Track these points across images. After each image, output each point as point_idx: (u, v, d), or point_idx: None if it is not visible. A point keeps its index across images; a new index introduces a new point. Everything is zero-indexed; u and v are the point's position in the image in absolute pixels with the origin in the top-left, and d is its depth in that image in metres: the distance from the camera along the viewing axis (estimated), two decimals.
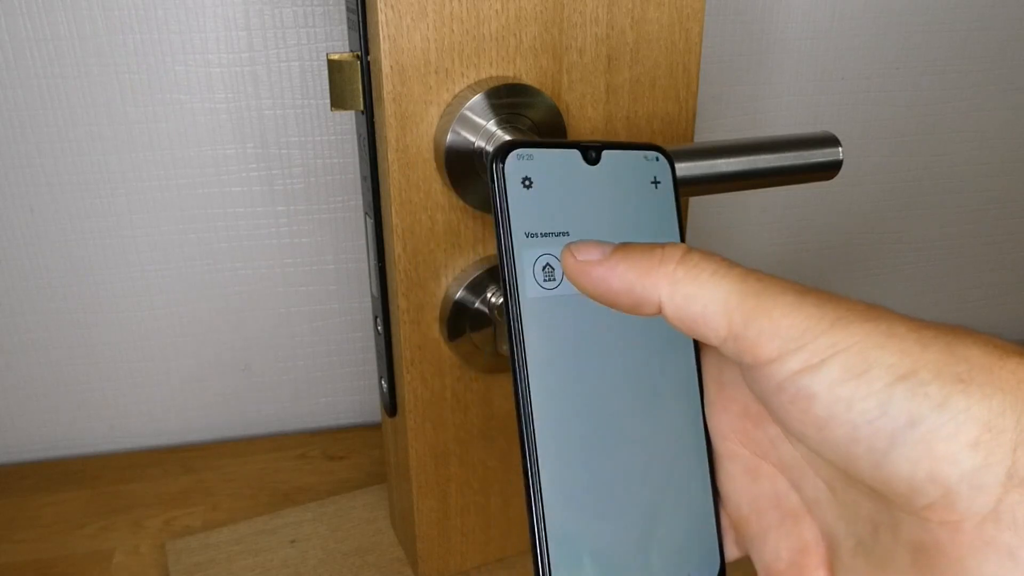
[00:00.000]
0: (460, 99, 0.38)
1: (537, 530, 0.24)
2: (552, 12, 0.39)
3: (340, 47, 0.56)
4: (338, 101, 0.39)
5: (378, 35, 0.36)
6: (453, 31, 0.37)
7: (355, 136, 0.56)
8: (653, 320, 0.24)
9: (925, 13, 0.65)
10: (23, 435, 0.64)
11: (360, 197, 0.57)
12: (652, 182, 0.27)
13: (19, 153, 0.55)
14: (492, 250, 0.42)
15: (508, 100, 0.38)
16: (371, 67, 0.38)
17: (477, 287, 0.42)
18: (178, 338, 0.63)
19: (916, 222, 0.74)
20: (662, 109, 0.43)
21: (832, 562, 0.23)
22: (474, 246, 0.42)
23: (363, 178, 0.42)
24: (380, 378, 0.47)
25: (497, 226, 0.25)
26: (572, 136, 0.41)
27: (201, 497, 0.59)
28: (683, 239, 0.27)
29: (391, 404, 0.46)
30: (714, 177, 0.37)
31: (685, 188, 0.37)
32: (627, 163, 0.27)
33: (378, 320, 0.44)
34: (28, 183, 0.56)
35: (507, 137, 0.38)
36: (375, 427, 0.68)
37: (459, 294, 0.42)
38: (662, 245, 0.23)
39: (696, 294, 0.22)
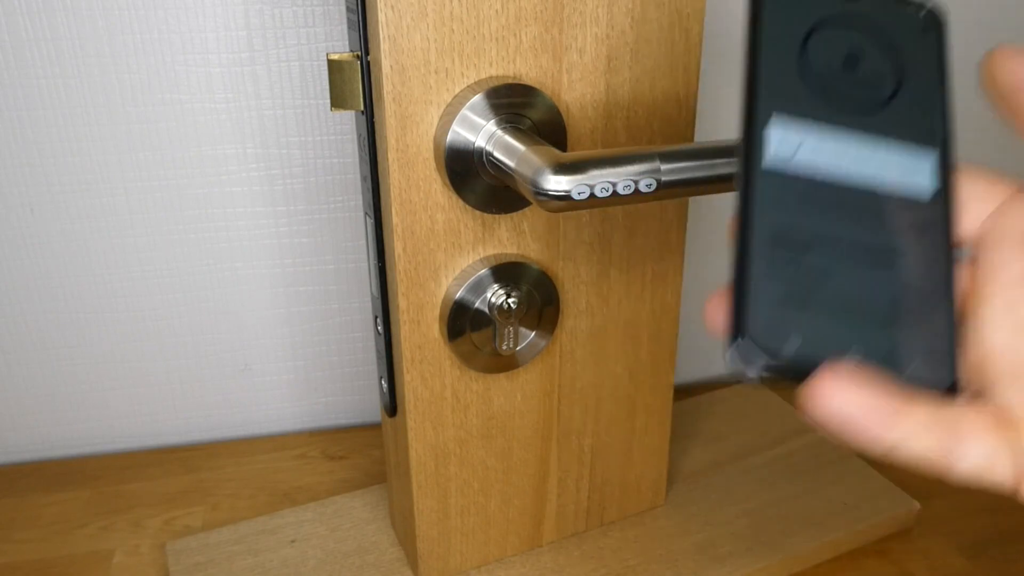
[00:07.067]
0: (460, 99, 0.38)
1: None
2: (552, 12, 0.39)
3: (340, 47, 0.56)
4: (338, 101, 0.39)
5: (378, 35, 0.36)
6: (453, 31, 0.37)
7: (355, 136, 0.56)
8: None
9: None
10: (23, 435, 0.64)
11: (360, 197, 0.57)
12: (920, 29, 0.28)
13: (19, 153, 0.55)
14: (491, 250, 0.42)
15: (508, 100, 0.39)
16: (371, 67, 0.38)
17: (477, 287, 0.42)
18: (178, 338, 0.63)
19: None
20: (662, 109, 0.43)
21: None
22: (474, 246, 0.42)
23: (363, 178, 0.42)
24: (380, 378, 0.47)
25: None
26: (572, 135, 0.41)
27: (201, 497, 0.59)
28: (944, 86, 0.28)
29: (391, 404, 0.46)
30: (714, 177, 0.37)
31: (685, 188, 0.37)
32: (890, 7, 0.28)
33: (378, 320, 0.44)
34: (28, 183, 0.56)
35: (507, 137, 0.38)
36: (375, 427, 0.68)
37: (459, 294, 0.42)
38: None
39: None
